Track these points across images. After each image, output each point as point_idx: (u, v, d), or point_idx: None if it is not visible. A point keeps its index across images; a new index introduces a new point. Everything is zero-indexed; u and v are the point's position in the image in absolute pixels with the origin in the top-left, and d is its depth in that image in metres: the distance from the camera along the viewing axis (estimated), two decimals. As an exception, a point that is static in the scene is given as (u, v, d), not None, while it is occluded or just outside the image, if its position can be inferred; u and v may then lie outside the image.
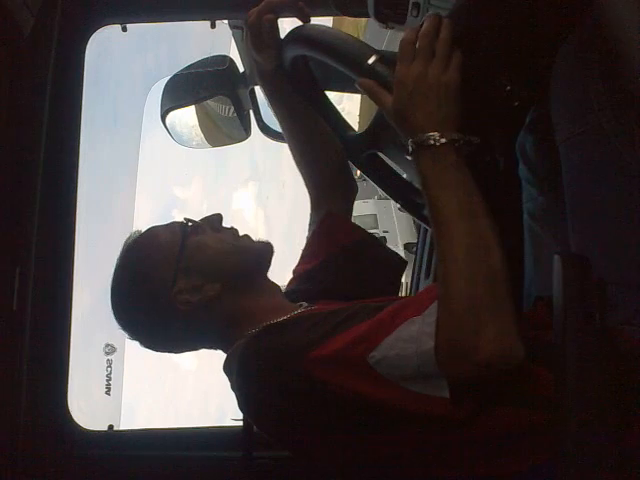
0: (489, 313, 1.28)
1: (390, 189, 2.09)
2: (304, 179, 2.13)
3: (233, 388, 1.70)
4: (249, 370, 1.59)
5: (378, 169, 2.04)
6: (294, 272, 2.07)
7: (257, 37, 1.86)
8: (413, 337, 1.33)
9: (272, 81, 1.98)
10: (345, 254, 2.04)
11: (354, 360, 1.39)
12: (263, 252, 1.87)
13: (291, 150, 2.10)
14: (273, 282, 1.88)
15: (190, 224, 1.82)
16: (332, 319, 1.51)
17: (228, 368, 1.72)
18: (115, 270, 1.83)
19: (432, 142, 1.39)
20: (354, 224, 2.17)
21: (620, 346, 1.39)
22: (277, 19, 1.84)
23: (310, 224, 2.12)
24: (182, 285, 1.74)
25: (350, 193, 2.17)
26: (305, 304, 1.82)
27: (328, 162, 2.09)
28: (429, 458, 1.51)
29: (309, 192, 2.13)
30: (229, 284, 1.77)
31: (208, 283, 1.75)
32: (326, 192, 2.11)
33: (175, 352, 1.88)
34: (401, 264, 2.11)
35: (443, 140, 1.39)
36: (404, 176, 2.02)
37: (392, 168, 2.02)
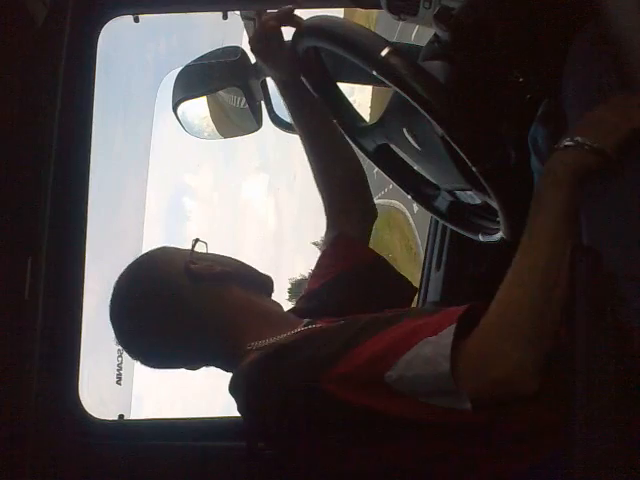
0: (527, 340, 1.30)
1: (401, 180, 2.09)
2: (321, 197, 2.15)
3: (240, 409, 1.71)
4: (261, 392, 1.60)
5: (389, 160, 2.04)
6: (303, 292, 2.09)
7: (266, 49, 1.92)
8: (428, 358, 1.33)
9: (292, 92, 2.04)
10: (353, 275, 2.05)
11: (371, 379, 1.40)
12: (267, 276, 1.96)
13: (311, 166, 2.13)
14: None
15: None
16: (344, 333, 1.52)
17: (234, 389, 1.73)
18: (119, 279, 1.89)
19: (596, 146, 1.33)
20: (366, 246, 2.17)
21: (631, 341, 1.39)
22: (279, 27, 1.88)
23: (322, 244, 2.14)
24: (196, 261, 1.83)
25: (368, 217, 2.18)
26: (309, 320, 1.82)
27: (346, 182, 2.11)
28: (435, 461, 1.51)
29: (325, 211, 2.15)
30: (237, 275, 1.86)
31: (218, 265, 1.85)
32: (342, 213, 2.13)
33: (179, 362, 1.92)
34: (411, 290, 2.11)
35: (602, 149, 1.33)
36: (415, 168, 2.02)
37: (403, 159, 2.02)
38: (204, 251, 1.92)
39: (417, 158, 1.93)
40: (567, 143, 1.35)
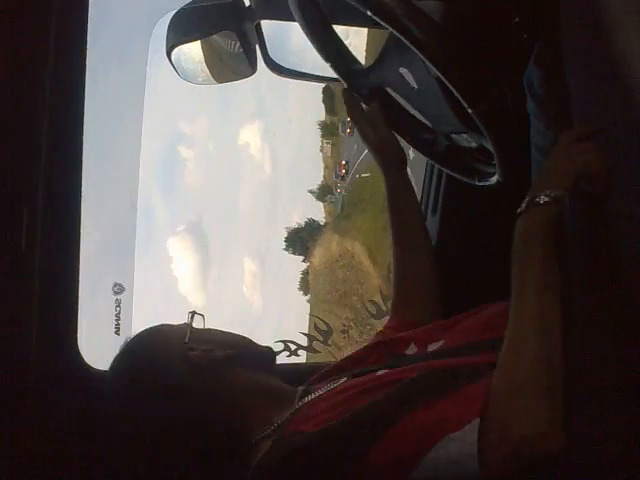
0: (540, 390, 1.32)
1: (397, 124, 2.08)
2: (393, 284, 2.20)
3: None
4: None
5: (385, 104, 2.04)
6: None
7: (370, 132, 2.09)
8: (454, 459, 1.35)
9: (394, 178, 2.17)
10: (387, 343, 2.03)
11: (397, 476, 1.41)
12: (266, 348, 1.93)
13: (392, 252, 2.21)
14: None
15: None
16: (359, 428, 1.49)
17: None
18: (113, 366, 1.87)
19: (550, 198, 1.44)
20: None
21: (631, 282, 1.40)
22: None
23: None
24: (194, 345, 1.79)
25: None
26: (303, 389, 1.81)
27: (419, 282, 2.18)
28: None
29: (392, 300, 2.20)
30: (239, 357, 1.81)
31: (218, 349, 1.79)
32: (406, 307, 2.17)
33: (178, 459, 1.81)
34: None
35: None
36: (411, 111, 2.01)
37: (399, 103, 2.01)
38: (201, 326, 1.89)
39: (413, 101, 1.93)
40: (532, 201, 1.46)
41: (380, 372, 1.73)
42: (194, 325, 1.88)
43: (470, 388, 1.44)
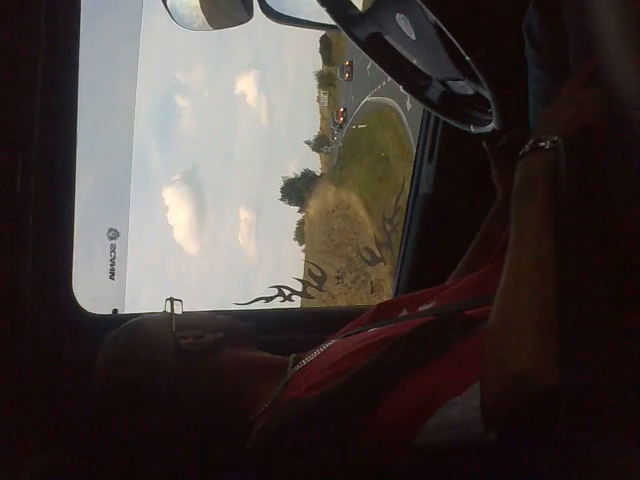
0: (534, 328, 1.32)
1: (393, 70, 2.08)
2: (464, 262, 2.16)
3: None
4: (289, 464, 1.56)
5: (381, 49, 2.02)
6: None
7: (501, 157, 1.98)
8: (458, 423, 1.34)
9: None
10: None
11: (398, 444, 1.41)
12: (249, 324, 1.89)
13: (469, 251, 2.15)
14: None
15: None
16: (355, 395, 1.47)
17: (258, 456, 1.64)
18: (102, 368, 1.78)
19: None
20: None
21: (623, 230, 1.40)
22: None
23: None
24: (182, 333, 1.73)
25: None
26: (294, 356, 1.77)
27: None
28: None
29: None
30: (228, 338, 1.77)
31: (207, 333, 1.75)
32: None
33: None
34: None
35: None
36: (407, 57, 2.00)
37: (395, 49, 2.00)
38: (180, 311, 1.84)
39: (409, 47, 1.92)
40: (535, 144, 1.44)
41: (371, 330, 1.72)
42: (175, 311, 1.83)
43: (466, 345, 1.43)
